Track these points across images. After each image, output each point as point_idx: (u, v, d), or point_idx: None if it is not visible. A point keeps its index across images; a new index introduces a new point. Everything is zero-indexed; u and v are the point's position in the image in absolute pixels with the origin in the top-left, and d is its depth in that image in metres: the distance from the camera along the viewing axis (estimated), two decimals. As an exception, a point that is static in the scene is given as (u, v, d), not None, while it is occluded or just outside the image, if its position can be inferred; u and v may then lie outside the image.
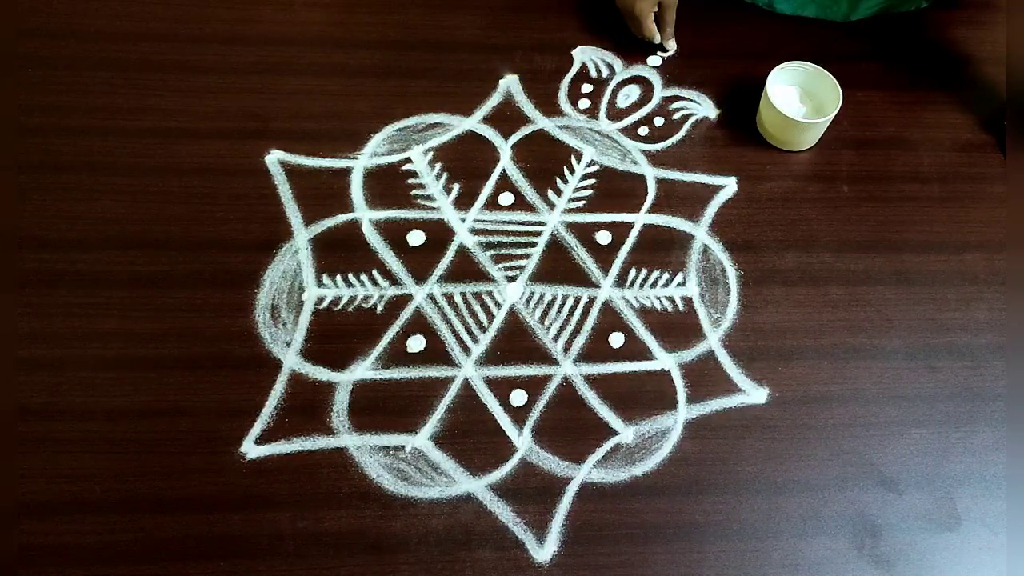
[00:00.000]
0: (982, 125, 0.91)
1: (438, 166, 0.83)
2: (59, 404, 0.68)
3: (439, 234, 0.79)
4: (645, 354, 0.75)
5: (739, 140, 0.88)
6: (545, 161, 0.85)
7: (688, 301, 0.78)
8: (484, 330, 0.75)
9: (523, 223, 0.81)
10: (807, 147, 0.88)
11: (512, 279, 0.78)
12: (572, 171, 0.84)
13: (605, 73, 0.92)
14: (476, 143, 0.85)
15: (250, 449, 0.67)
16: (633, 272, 0.79)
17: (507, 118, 0.87)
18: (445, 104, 0.87)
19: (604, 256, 0.80)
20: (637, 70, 0.92)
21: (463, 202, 0.81)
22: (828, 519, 0.69)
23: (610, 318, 0.76)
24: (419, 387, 0.72)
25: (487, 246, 0.79)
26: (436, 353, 0.73)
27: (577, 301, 0.77)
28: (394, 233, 0.79)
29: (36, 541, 0.63)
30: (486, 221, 0.81)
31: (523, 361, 0.73)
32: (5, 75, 0.80)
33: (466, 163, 0.83)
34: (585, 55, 0.93)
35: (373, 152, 0.83)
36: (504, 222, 0.81)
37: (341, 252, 0.77)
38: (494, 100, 0.88)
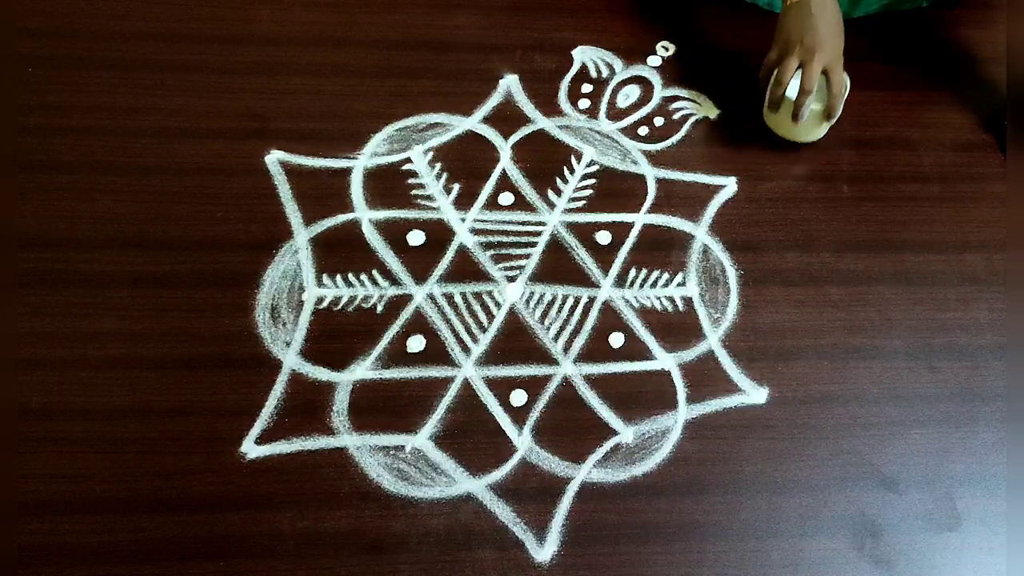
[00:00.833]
0: (982, 125, 0.91)
1: (438, 166, 0.83)
2: (59, 404, 0.68)
3: (439, 234, 0.79)
4: (645, 354, 0.75)
5: (739, 140, 0.88)
6: (545, 161, 0.85)
7: (688, 301, 0.78)
8: (484, 330, 0.75)
9: (523, 223, 0.81)
10: (817, 138, 0.87)
11: (512, 279, 0.78)
12: (572, 171, 0.84)
13: (605, 73, 0.92)
14: (476, 143, 0.85)
15: (250, 449, 0.67)
16: (633, 272, 0.79)
17: (507, 118, 0.87)
18: (445, 104, 0.87)
19: (604, 256, 0.80)
20: (637, 70, 0.93)
21: (463, 202, 0.81)
22: (828, 519, 0.69)
23: (610, 318, 0.76)
24: (419, 387, 0.72)
25: (487, 246, 0.79)
26: (436, 353, 0.73)
27: (577, 301, 0.77)
28: (394, 233, 0.79)
29: (36, 541, 0.63)
30: (486, 221, 0.81)
31: (523, 361, 0.73)
32: (5, 75, 0.81)
33: (466, 163, 0.83)
34: (585, 55, 0.93)
35: (373, 152, 0.83)
36: (504, 222, 0.81)
37: (341, 252, 0.77)
38: (494, 100, 0.88)
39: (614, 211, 0.82)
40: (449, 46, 0.91)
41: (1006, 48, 0.96)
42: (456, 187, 0.82)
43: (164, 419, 0.68)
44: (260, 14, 0.91)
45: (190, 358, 0.71)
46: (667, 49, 0.94)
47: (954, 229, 0.85)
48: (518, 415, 0.71)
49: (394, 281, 0.76)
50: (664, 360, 0.75)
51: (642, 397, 0.73)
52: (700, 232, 0.82)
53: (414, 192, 0.81)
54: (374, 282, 0.76)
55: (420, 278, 0.77)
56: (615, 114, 0.89)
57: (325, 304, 0.75)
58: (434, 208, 0.81)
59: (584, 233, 0.81)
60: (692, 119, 0.89)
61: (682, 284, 0.79)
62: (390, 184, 0.81)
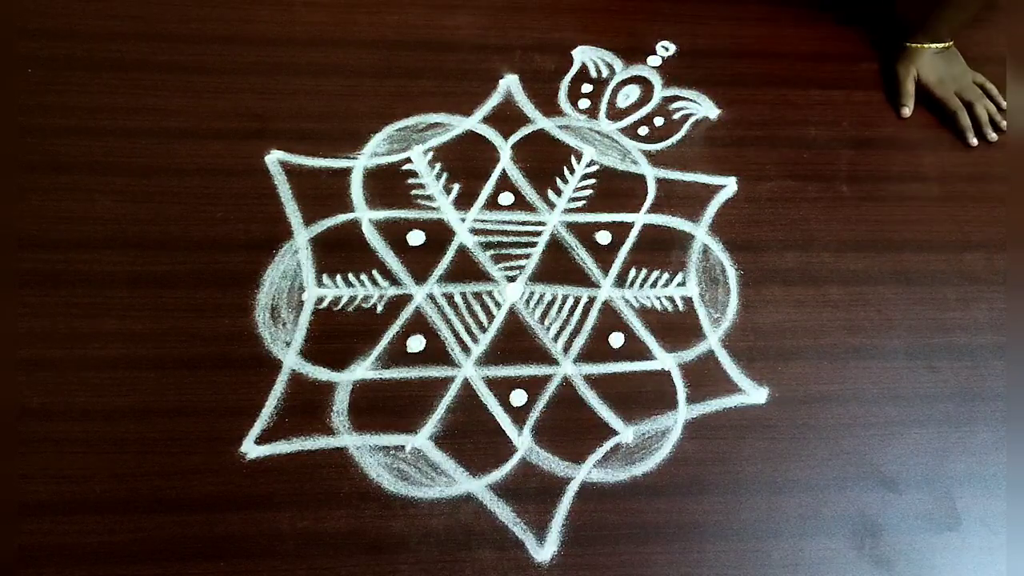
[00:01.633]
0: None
1: (438, 166, 0.83)
2: (59, 404, 0.68)
3: (439, 234, 0.79)
4: (645, 354, 0.75)
5: (739, 140, 0.88)
6: (545, 161, 0.85)
7: (688, 301, 0.78)
8: (484, 330, 0.75)
9: (523, 223, 0.81)
10: None
11: (512, 279, 0.78)
12: (572, 171, 0.84)
13: (605, 73, 0.92)
14: (476, 143, 0.85)
15: (250, 449, 0.67)
16: (633, 272, 0.79)
17: (507, 118, 0.87)
18: (445, 104, 0.87)
19: (604, 256, 0.80)
20: (637, 70, 0.92)
21: (463, 202, 0.81)
22: (828, 519, 0.69)
23: (610, 318, 0.76)
24: (419, 387, 0.72)
25: (487, 246, 0.79)
26: (436, 353, 0.73)
27: (577, 301, 0.77)
28: (394, 233, 0.79)
29: (36, 541, 0.63)
30: (486, 221, 0.81)
31: (523, 361, 0.73)
32: (5, 75, 0.81)
33: (466, 163, 0.83)
34: (585, 55, 0.93)
35: (373, 152, 0.83)
36: (504, 222, 0.81)
37: (341, 252, 0.77)
38: (494, 100, 0.88)
39: (614, 211, 0.82)
40: (449, 46, 0.91)
41: (1006, 48, 0.96)
42: (456, 187, 0.82)
43: (164, 419, 0.68)
44: (260, 14, 0.91)
45: (190, 358, 0.71)
46: (667, 49, 0.94)
47: (954, 229, 0.85)
48: (518, 415, 0.71)
49: (394, 281, 0.76)
50: (664, 360, 0.75)
51: (642, 397, 0.73)
52: (700, 232, 0.82)
53: (414, 192, 0.81)
54: (374, 282, 0.76)
55: (420, 278, 0.77)
56: (615, 114, 0.89)
57: (325, 304, 0.75)
58: (434, 208, 0.81)
59: (584, 233, 0.81)
60: (692, 119, 0.89)
61: (682, 284, 0.79)
62: (390, 184, 0.81)
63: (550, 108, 0.88)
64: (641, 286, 0.78)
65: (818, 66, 0.94)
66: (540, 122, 0.87)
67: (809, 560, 0.67)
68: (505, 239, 0.80)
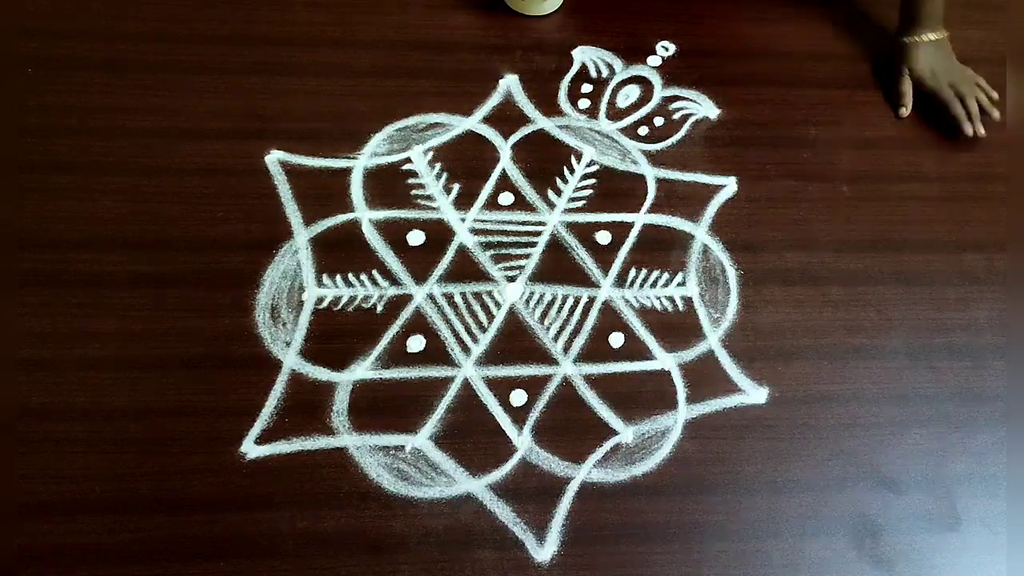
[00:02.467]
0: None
1: (438, 166, 0.83)
2: (59, 404, 0.68)
3: (439, 234, 0.79)
4: (645, 354, 0.75)
5: (739, 140, 0.88)
6: (545, 161, 0.85)
7: (688, 301, 0.78)
8: (484, 330, 0.75)
9: (523, 223, 0.81)
10: (550, 11, 0.92)
11: (512, 279, 0.78)
12: (572, 171, 0.84)
13: (605, 73, 0.92)
14: (476, 143, 0.85)
15: (250, 449, 0.67)
16: (633, 272, 0.79)
17: (507, 118, 0.87)
18: (445, 104, 0.87)
19: (604, 256, 0.80)
20: (637, 70, 0.92)
21: (463, 202, 0.81)
22: (828, 519, 0.69)
23: (610, 318, 0.76)
24: (419, 387, 0.72)
25: (487, 246, 0.79)
26: (436, 353, 0.73)
27: (577, 301, 0.77)
28: (394, 233, 0.79)
29: (36, 541, 0.63)
30: (486, 221, 0.81)
31: (523, 361, 0.73)
32: (5, 75, 0.81)
33: (466, 163, 0.83)
34: (585, 55, 0.93)
35: (373, 152, 0.83)
36: (504, 222, 0.81)
37: (341, 252, 0.77)
38: (494, 100, 0.88)
39: (614, 211, 0.82)
40: (449, 46, 0.91)
41: (1006, 48, 0.96)
42: (456, 187, 0.82)
43: (164, 419, 0.68)
44: (260, 14, 0.91)
45: (190, 358, 0.71)
46: (667, 49, 0.94)
47: (954, 229, 0.85)
48: (518, 415, 0.71)
49: (394, 281, 0.76)
50: (664, 360, 0.75)
51: (642, 397, 0.73)
52: (700, 232, 0.82)
53: (414, 192, 0.81)
54: (374, 282, 0.76)
55: (420, 278, 0.77)
56: (615, 114, 0.89)
57: (325, 304, 0.75)
58: (434, 208, 0.81)
59: (584, 233, 0.81)
60: (692, 119, 0.89)
61: (682, 284, 0.79)
62: (390, 184, 0.81)
63: (550, 108, 0.88)
64: (641, 286, 0.78)
65: (818, 66, 0.94)
66: (540, 122, 0.87)
67: (809, 560, 0.67)
68: (505, 239, 0.80)
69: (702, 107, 0.90)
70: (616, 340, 0.75)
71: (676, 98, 0.91)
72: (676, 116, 0.89)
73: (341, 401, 0.70)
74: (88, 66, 0.85)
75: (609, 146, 0.86)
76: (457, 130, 0.86)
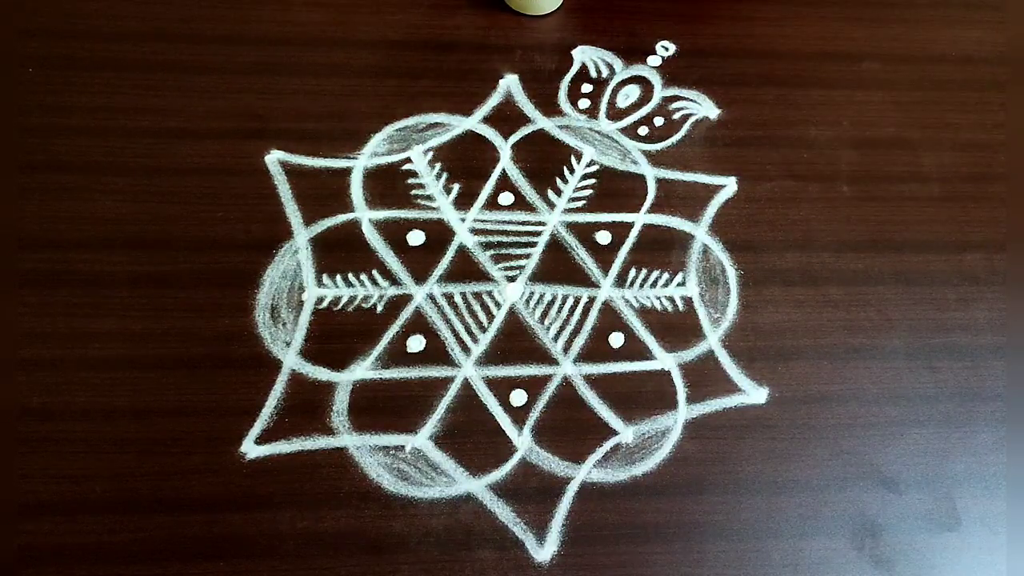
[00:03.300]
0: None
1: (438, 166, 0.83)
2: (59, 404, 0.68)
3: (439, 234, 0.79)
4: (645, 354, 0.75)
5: (739, 140, 0.88)
6: (545, 161, 0.85)
7: (688, 301, 0.78)
8: (484, 330, 0.75)
9: (523, 223, 0.81)
10: (549, 10, 0.91)
11: (512, 279, 0.78)
12: (572, 171, 0.84)
13: (605, 73, 0.92)
14: (476, 143, 0.85)
15: (250, 449, 0.67)
16: (633, 272, 0.79)
17: (507, 118, 0.87)
18: (445, 104, 0.87)
19: (604, 256, 0.80)
20: (637, 70, 0.92)
21: (463, 202, 0.81)
22: (828, 519, 0.69)
23: (610, 318, 0.76)
24: (419, 387, 0.72)
25: (487, 246, 0.79)
26: (436, 353, 0.73)
27: (577, 301, 0.77)
28: (394, 233, 0.79)
29: (36, 541, 0.63)
30: (486, 221, 0.81)
31: (523, 361, 0.74)
32: (5, 75, 0.81)
33: (466, 163, 0.83)
34: (585, 55, 0.93)
35: (373, 152, 0.83)
36: (504, 222, 0.81)
37: (341, 252, 0.77)
38: (494, 100, 0.88)
39: (614, 211, 0.82)
40: (449, 46, 0.91)
41: (1006, 48, 0.96)
42: (456, 187, 0.82)
43: (164, 419, 0.68)
44: (260, 14, 0.91)
45: (190, 358, 0.71)
46: (667, 49, 0.94)
47: (954, 229, 0.85)
48: (518, 415, 0.71)
49: (394, 281, 0.76)
50: (664, 360, 0.75)
51: (642, 397, 0.73)
52: (700, 232, 0.82)
53: (414, 192, 0.81)
54: (374, 282, 0.76)
55: (420, 278, 0.77)
56: (615, 114, 0.89)
57: (325, 304, 0.75)
58: (434, 208, 0.81)
59: (584, 233, 0.81)
60: (692, 119, 0.89)
61: (682, 284, 0.79)
62: (390, 184, 0.82)
63: (550, 108, 0.88)
64: (641, 286, 0.78)
65: (819, 66, 0.94)
66: (540, 122, 0.87)
67: (809, 560, 0.67)
68: (505, 239, 0.80)
69: (702, 107, 0.90)
70: (616, 340, 0.75)
71: (676, 98, 0.91)
72: (676, 116, 0.89)
73: (341, 401, 0.70)
74: (88, 66, 0.85)
75: (609, 146, 0.86)
76: (457, 130, 0.86)
